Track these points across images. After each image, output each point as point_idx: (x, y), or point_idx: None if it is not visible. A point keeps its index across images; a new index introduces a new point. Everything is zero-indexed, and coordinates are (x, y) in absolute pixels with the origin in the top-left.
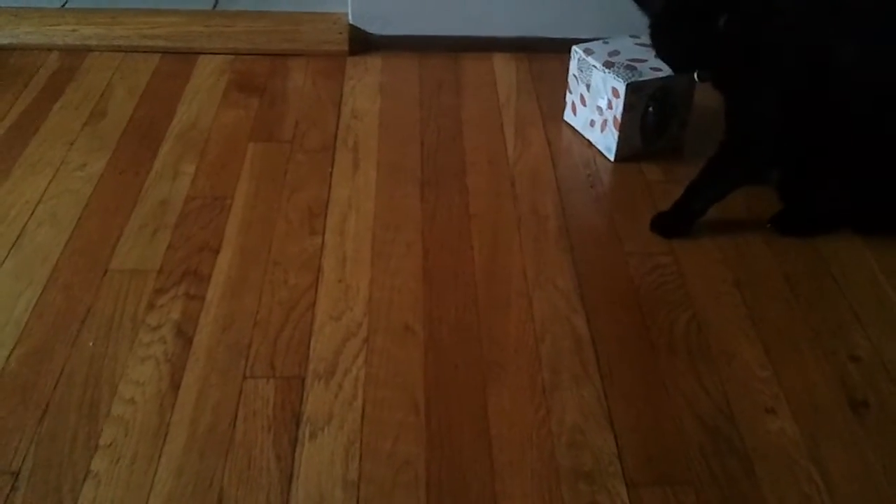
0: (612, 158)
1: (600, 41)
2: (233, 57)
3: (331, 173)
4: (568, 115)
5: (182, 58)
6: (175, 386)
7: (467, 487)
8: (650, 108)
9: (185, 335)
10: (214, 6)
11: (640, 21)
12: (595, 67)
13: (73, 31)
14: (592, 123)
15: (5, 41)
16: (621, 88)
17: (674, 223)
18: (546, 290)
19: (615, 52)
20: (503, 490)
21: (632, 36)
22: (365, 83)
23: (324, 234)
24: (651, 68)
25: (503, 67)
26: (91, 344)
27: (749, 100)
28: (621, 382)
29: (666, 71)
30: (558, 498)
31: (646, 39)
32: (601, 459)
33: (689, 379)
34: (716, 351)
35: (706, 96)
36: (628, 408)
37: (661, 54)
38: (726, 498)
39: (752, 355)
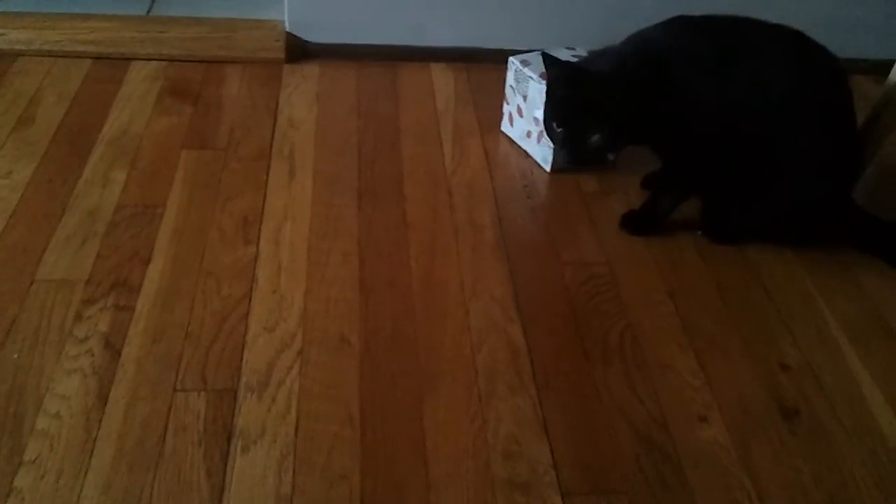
0: (548, 169)
1: (537, 52)
2: (166, 63)
3: (266, 182)
4: (505, 126)
5: (114, 64)
6: (102, 399)
7: (402, 500)
8: None
9: (113, 347)
10: (148, 11)
11: (576, 33)
12: (532, 78)
13: (2, 35)
14: (529, 134)
15: None
16: None
17: (643, 222)
18: (483, 300)
19: None
20: (438, 502)
21: (568, 48)
22: (301, 91)
23: (258, 243)
24: None
25: (441, 77)
26: (16, 356)
27: (666, 149)
28: (557, 392)
29: None
30: None
31: (582, 51)
32: (536, 469)
33: (623, 388)
34: (650, 360)
35: None
36: (563, 417)
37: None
38: None
39: (685, 364)
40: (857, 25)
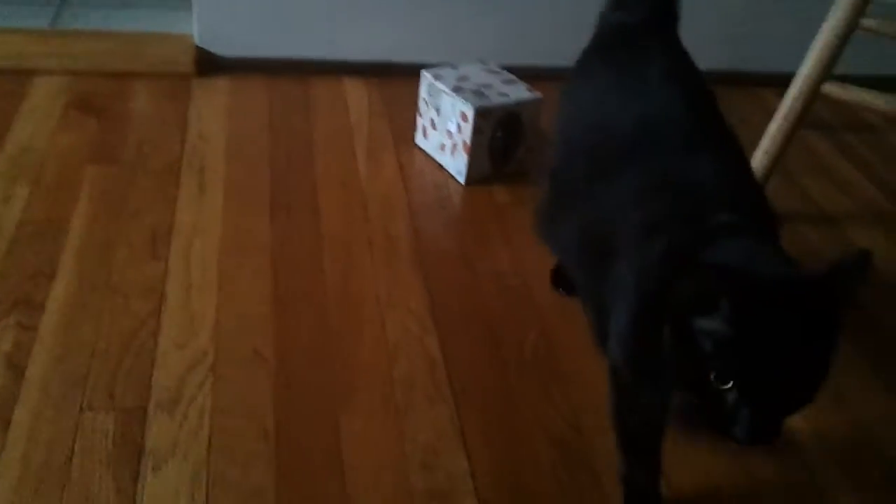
0: (462, 181)
1: (449, 66)
2: (72, 77)
3: (175, 197)
4: (419, 139)
5: (17, 77)
6: (5, 422)
7: None
8: (498, 133)
9: (16, 367)
10: (53, 22)
11: (488, 47)
12: (444, 92)
13: None
14: (443, 147)
15: None
16: (470, 113)
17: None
18: (399, 312)
19: (464, 78)
20: None
21: (480, 62)
22: (212, 105)
23: (167, 259)
24: (499, 94)
25: (354, 91)
26: None
27: None
28: (474, 401)
29: (513, 97)
30: None
31: (494, 66)
32: (454, 479)
33: (539, 396)
34: (565, 367)
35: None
36: (481, 426)
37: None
38: None
39: (598, 371)
40: (762, 38)
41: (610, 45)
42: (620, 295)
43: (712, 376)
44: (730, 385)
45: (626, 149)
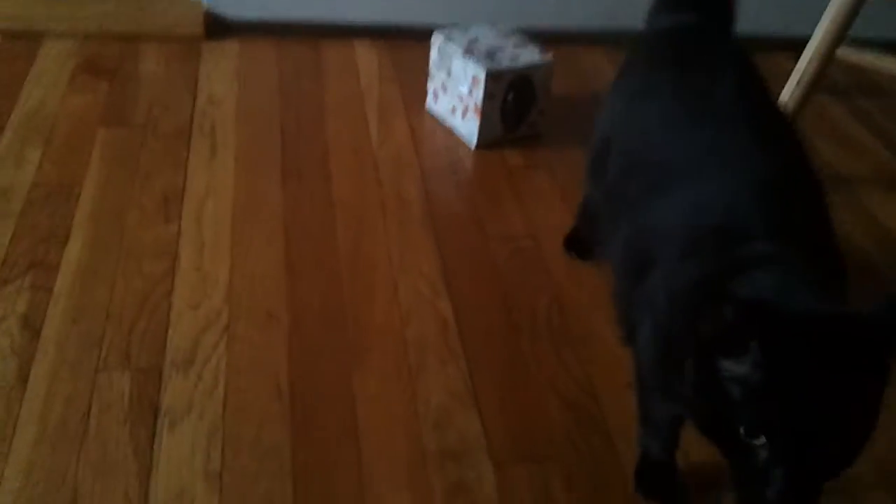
0: (473, 145)
1: (460, 29)
2: (81, 40)
3: (186, 160)
4: (430, 103)
5: (26, 40)
6: (23, 380)
7: (334, 472)
8: (510, 96)
9: (32, 328)
10: None
11: (500, 9)
12: (455, 55)
13: None
14: (454, 110)
15: None
16: (481, 76)
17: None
18: (411, 275)
19: (475, 40)
20: (370, 473)
21: (492, 24)
22: (221, 68)
23: (180, 221)
24: (510, 56)
25: (364, 54)
26: None
27: None
28: (486, 364)
29: (525, 59)
30: (425, 479)
31: (505, 28)
32: (467, 439)
33: (552, 359)
34: (577, 330)
35: (564, 84)
36: (494, 388)
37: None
38: (590, 473)
39: (611, 334)
40: (776, 1)
41: (666, 52)
42: (649, 309)
43: (741, 430)
44: (761, 440)
45: (688, 168)
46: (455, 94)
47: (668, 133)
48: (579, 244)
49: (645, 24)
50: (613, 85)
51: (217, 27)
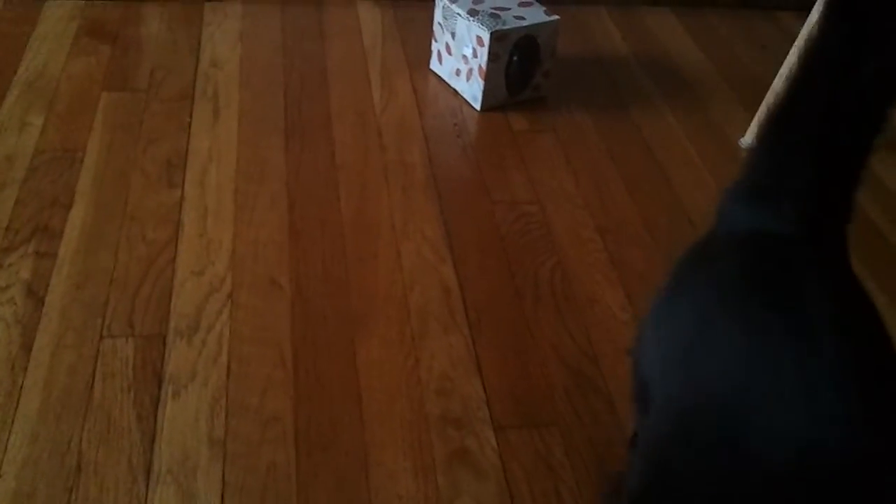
0: (478, 107)
1: None
2: (83, 3)
3: (189, 124)
4: (434, 64)
5: (27, 3)
6: (27, 348)
7: (337, 439)
8: (514, 58)
9: (35, 295)
10: None
11: None
12: (459, 16)
13: None
14: (458, 72)
15: None
16: (486, 37)
17: None
18: (414, 241)
19: (479, 1)
20: (373, 440)
21: None
22: (224, 30)
23: (183, 186)
24: (515, 17)
25: (368, 15)
26: None
27: None
28: (489, 329)
29: (530, 19)
30: (428, 444)
31: None
32: (469, 405)
33: (554, 324)
34: (579, 296)
35: (569, 46)
36: (496, 354)
37: None
38: (590, 437)
39: (614, 299)
40: None
41: (743, 269)
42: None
43: None
44: None
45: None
46: (459, 55)
47: (739, 405)
48: None
49: (715, 219)
50: (655, 308)
51: None
